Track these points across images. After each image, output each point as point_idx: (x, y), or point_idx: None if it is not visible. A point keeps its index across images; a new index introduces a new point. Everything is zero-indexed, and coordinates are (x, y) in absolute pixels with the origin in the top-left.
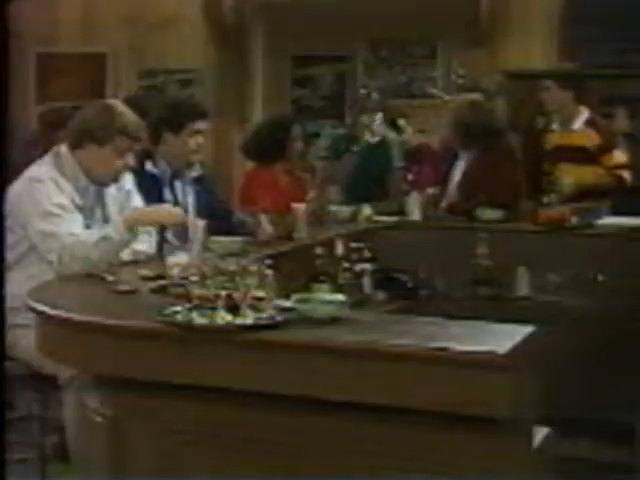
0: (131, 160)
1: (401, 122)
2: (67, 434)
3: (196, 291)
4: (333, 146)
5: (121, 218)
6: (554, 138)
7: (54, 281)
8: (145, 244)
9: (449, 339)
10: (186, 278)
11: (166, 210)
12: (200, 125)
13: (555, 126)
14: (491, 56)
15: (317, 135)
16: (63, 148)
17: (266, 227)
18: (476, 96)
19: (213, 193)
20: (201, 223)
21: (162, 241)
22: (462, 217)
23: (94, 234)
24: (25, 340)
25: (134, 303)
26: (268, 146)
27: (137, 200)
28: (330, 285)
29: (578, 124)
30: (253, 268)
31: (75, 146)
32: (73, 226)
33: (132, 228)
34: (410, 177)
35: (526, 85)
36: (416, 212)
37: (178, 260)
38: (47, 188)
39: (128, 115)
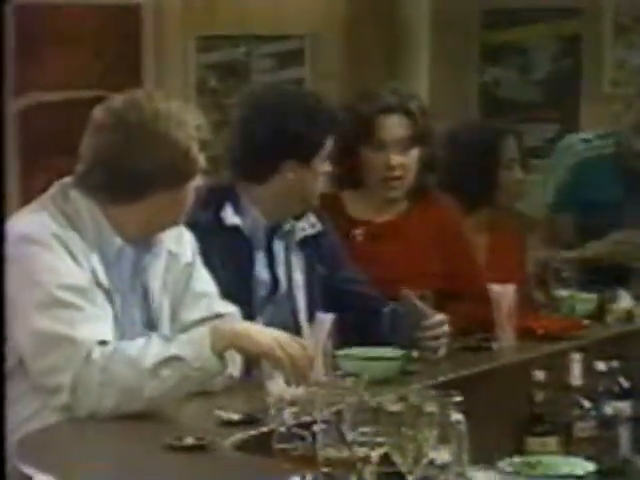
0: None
1: None
2: None
3: (326, 450)
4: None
5: (208, 335)
6: None
7: (61, 425)
8: (233, 366)
9: None
10: (305, 425)
11: (290, 345)
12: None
13: None
14: None
15: None
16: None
17: (444, 326)
18: None
19: (342, 264)
20: (327, 319)
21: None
22: None
23: (150, 349)
24: None
25: (207, 468)
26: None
27: (205, 280)
28: (560, 439)
29: None
30: (430, 409)
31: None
32: (100, 326)
33: (223, 353)
34: None
35: None
36: None
37: (287, 389)
38: (50, 255)
39: (186, 120)
